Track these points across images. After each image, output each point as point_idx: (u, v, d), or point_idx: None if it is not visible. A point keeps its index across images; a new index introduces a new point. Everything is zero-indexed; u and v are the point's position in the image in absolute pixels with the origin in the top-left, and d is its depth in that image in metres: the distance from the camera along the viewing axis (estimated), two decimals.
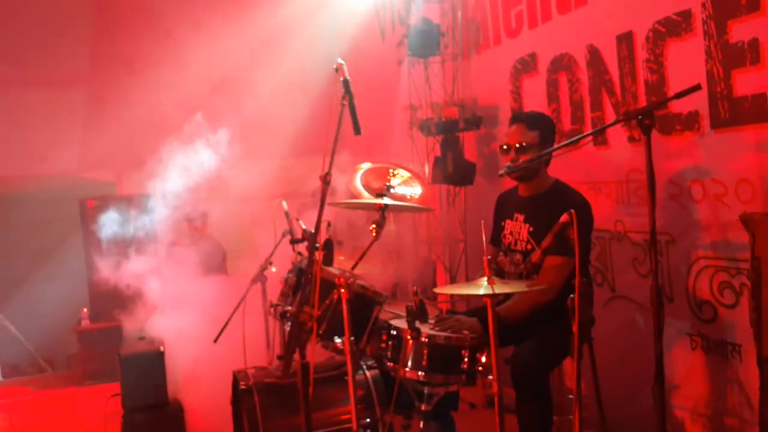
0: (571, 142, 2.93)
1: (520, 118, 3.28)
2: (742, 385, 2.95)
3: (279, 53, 5.53)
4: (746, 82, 2.82)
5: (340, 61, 2.69)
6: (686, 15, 3.09)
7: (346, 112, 2.65)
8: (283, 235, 3.59)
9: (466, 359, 2.83)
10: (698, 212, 3.13)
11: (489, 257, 2.61)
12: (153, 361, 4.04)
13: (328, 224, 2.83)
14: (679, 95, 2.62)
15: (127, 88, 5.61)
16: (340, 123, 2.64)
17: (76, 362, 5.92)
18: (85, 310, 5.85)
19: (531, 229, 3.23)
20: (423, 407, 2.94)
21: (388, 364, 2.97)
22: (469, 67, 5.35)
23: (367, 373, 3.31)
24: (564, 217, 2.41)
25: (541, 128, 3.20)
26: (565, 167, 3.68)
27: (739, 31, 2.83)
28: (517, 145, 3.18)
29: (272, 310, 3.29)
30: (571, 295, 2.33)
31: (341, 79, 2.69)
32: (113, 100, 5.59)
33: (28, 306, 6.56)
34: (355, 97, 2.68)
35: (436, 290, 2.89)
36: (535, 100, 4.36)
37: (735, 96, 2.88)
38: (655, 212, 2.49)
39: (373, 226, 3.13)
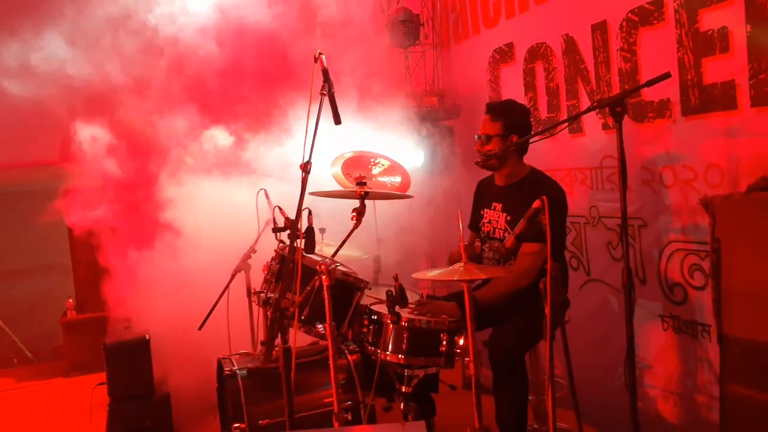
0: (547, 130, 3.00)
1: (488, 108, 3.36)
2: (711, 364, 3.04)
3: None
4: (716, 70, 2.89)
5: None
6: (658, 4, 3.16)
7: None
8: (266, 224, 3.65)
9: (444, 342, 2.92)
10: (669, 197, 3.21)
11: (466, 243, 2.69)
12: (139, 349, 4.06)
13: (309, 212, 2.89)
14: (649, 83, 2.69)
15: None
16: (320, 112, 2.68)
17: (62, 353, 5.93)
18: (71, 300, 5.85)
19: (509, 217, 3.31)
20: (404, 389, 3.03)
21: (369, 348, 3.04)
22: (449, 56, 5.41)
23: (349, 357, 3.38)
24: (536, 203, 2.48)
25: (506, 118, 3.28)
26: (541, 155, 3.76)
27: (709, 19, 2.90)
28: (482, 136, 3.28)
29: (255, 297, 3.35)
30: (544, 279, 2.41)
31: (321, 69, 2.73)
32: None
33: (14, 298, 6.54)
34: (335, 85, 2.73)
35: (415, 276, 2.95)
36: (513, 89, 4.42)
37: (705, 83, 2.95)
38: (626, 197, 2.56)
39: (354, 213, 3.19)
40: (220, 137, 4.72)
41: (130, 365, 4.05)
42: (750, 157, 2.76)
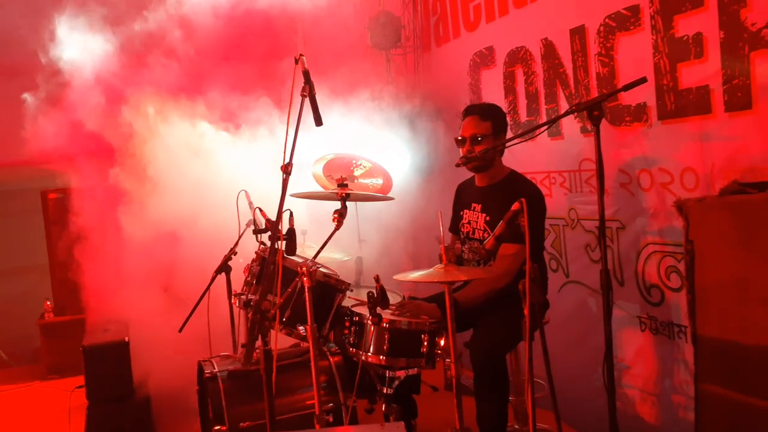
0: (526, 133, 3.03)
1: (472, 110, 3.37)
2: (688, 365, 3.09)
3: None
4: (691, 75, 2.94)
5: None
6: (635, 10, 3.21)
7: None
8: (247, 225, 3.64)
9: (425, 343, 2.93)
10: (646, 200, 3.26)
11: (446, 245, 2.71)
12: (118, 351, 4.03)
13: (290, 213, 2.90)
14: (626, 87, 2.73)
15: None
16: (300, 114, 2.69)
17: (39, 356, 5.86)
18: (49, 303, 5.79)
19: (488, 218, 3.33)
20: (385, 390, 3.04)
21: (351, 349, 3.05)
22: (430, 59, 5.43)
23: (330, 358, 3.39)
24: (515, 205, 2.51)
25: (493, 119, 3.31)
26: (521, 158, 3.80)
27: (685, 25, 2.95)
28: (472, 137, 3.29)
29: (236, 299, 3.34)
30: (523, 280, 2.43)
31: (302, 70, 2.74)
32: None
33: None
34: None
35: (396, 277, 2.97)
36: (493, 93, 4.46)
37: (680, 88, 3.00)
38: (603, 200, 2.60)
39: (335, 215, 3.20)
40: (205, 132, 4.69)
41: (109, 368, 4.02)
42: (724, 160, 2.81)
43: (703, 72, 2.87)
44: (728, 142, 2.80)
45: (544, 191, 3.39)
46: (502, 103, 4.29)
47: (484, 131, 3.28)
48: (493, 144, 3.23)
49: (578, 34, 3.61)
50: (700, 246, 2.35)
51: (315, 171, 3.97)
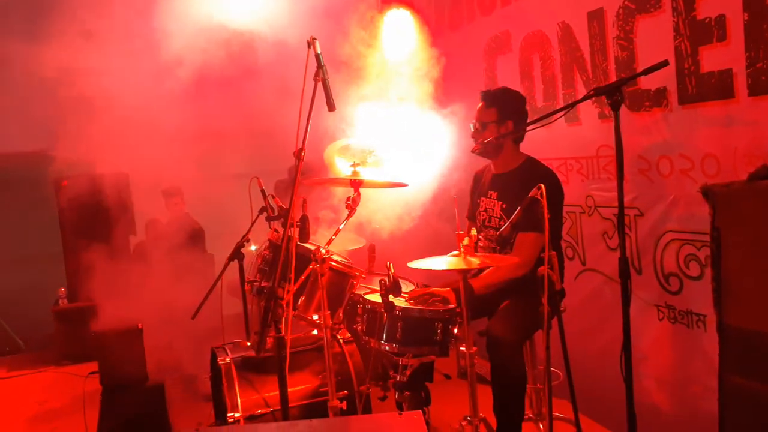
0: (541, 119, 2.98)
1: (481, 96, 3.35)
2: (706, 354, 3.04)
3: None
4: (713, 58, 2.87)
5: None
6: None
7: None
8: (260, 213, 3.62)
9: (439, 331, 2.90)
10: (666, 186, 3.20)
11: (461, 231, 2.68)
12: (131, 338, 4.05)
13: (303, 200, 2.87)
14: (646, 71, 2.67)
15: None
16: (313, 98, 2.65)
17: (54, 342, 5.91)
18: (63, 289, 5.82)
19: (504, 206, 3.30)
20: (398, 378, 3.01)
21: (364, 337, 3.03)
22: (443, 44, 5.35)
23: (344, 346, 3.37)
24: (533, 191, 2.47)
25: (499, 105, 3.28)
26: (537, 144, 3.73)
27: (707, 7, 2.87)
28: (477, 123, 3.27)
29: (249, 286, 3.33)
30: (540, 268, 2.39)
31: (314, 54, 2.70)
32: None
33: (5, 286, 6.50)
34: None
35: (410, 264, 2.94)
36: (509, 77, 4.39)
37: (702, 72, 2.93)
38: (622, 187, 2.55)
39: (348, 202, 3.17)
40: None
41: (122, 354, 4.04)
42: (746, 146, 2.74)
43: (726, 55, 2.79)
44: (752, 127, 2.72)
45: (561, 178, 3.34)
46: (518, 88, 4.20)
47: (486, 118, 3.27)
48: (497, 130, 3.21)
49: (596, 17, 3.53)
50: (727, 233, 2.28)
51: (328, 157, 3.93)
